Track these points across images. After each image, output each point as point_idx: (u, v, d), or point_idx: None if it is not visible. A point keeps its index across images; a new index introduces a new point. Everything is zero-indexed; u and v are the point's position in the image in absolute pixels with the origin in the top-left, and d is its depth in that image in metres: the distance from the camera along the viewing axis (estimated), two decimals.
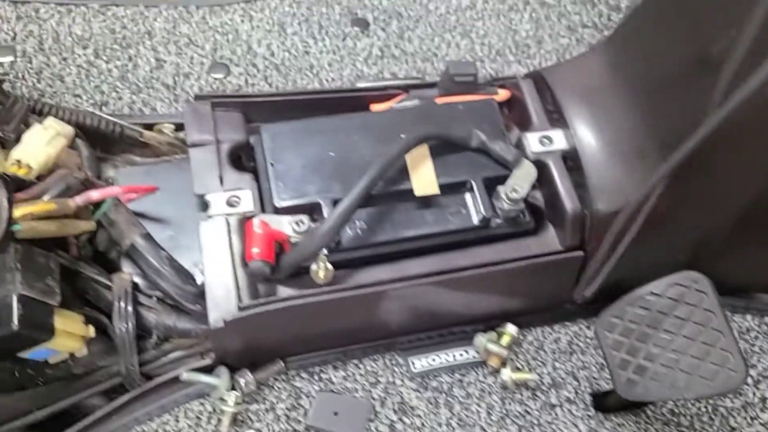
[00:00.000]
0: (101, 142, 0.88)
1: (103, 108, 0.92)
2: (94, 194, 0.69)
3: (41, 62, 0.95)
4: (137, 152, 0.90)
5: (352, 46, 1.03)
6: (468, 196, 0.82)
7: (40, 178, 0.72)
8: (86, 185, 0.71)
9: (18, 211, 0.63)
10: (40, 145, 0.72)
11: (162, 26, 1.01)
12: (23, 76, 0.93)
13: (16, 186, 0.65)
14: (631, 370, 0.69)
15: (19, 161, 0.70)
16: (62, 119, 0.83)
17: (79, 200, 0.67)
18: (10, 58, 0.94)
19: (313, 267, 0.76)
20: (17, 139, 0.74)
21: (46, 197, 0.66)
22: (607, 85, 0.82)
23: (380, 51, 1.04)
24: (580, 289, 0.79)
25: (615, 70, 0.81)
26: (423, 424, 0.80)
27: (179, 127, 0.89)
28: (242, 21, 1.04)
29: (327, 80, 1.00)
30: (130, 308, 0.74)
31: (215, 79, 0.98)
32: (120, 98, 0.94)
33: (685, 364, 0.67)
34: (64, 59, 0.96)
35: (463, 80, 0.86)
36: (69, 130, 0.76)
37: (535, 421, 0.82)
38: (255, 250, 0.72)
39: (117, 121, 0.85)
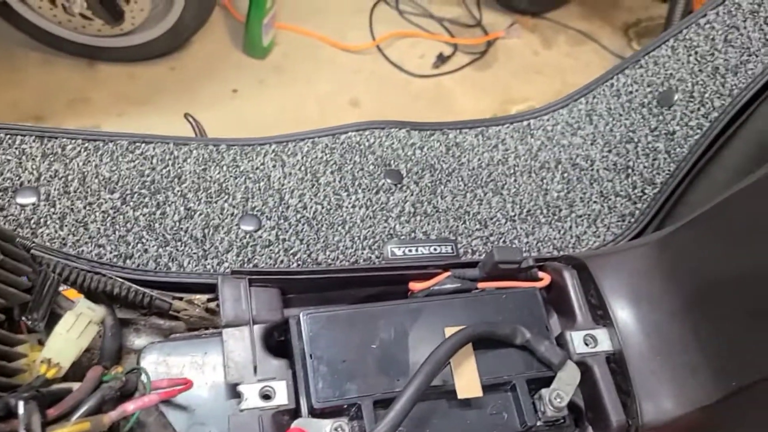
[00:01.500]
0: (124, 308, 0.83)
1: (127, 261, 0.88)
2: (130, 407, 0.64)
3: (65, 206, 0.91)
4: (160, 317, 0.86)
5: (385, 200, 1.01)
6: (510, 397, 0.79)
7: (67, 373, 0.68)
8: (121, 388, 0.66)
9: None
10: (72, 338, 0.68)
11: (192, 169, 0.98)
12: (46, 222, 0.89)
13: (48, 399, 0.61)
14: None
15: (49, 360, 0.66)
16: (89, 287, 0.79)
17: (114, 416, 0.63)
18: (33, 200, 0.90)
19: None
20: (47, 324, 0.70)
21: (78, 413, 0.62)
22: (657, 288, 0.81)
23: (413, 207, 1.02)
24: None
25: (668, 274, 0.80)
26: None
27: (210, 289, 0.85)
28: (274, 166, 1.01)
29: (359, 237, 0.97)
30: None
31: (246, 232, 0.94)
32: (146, 251, 0.90)
33: None
34: (90, 204, 0.92)
35: (508, 267, 0.85)
36: (101, 314, 0.72)
37: None
38: None
39: (147, 291, 0.81)
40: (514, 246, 1.00)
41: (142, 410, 0.69)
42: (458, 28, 2.84)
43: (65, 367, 0.67)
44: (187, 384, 0.72)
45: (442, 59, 2.69)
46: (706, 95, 1.00)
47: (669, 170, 1.00)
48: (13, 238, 0.70)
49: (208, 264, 0.91)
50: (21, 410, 0.57)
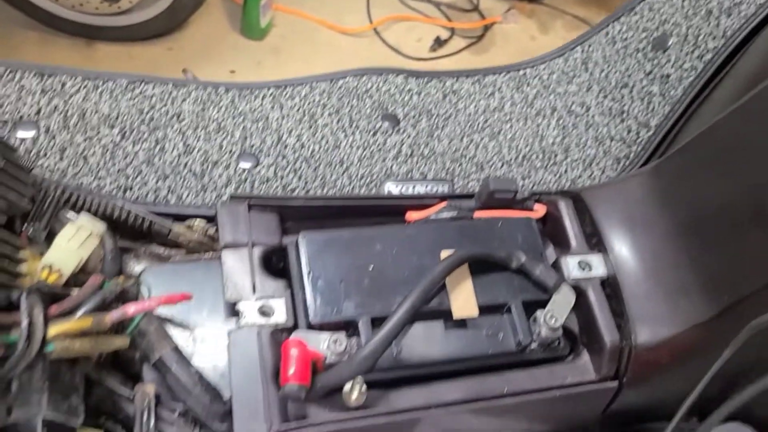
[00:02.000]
0: (123, 233, 0.84)
1: (127, 193, 0.89)
2: (131, 309, 0.65)
3: (65, 140, 0.92)
4: (158, 243, 0.86)
5: (382, 142, 1.02)
6: (505, 318, 0.80)
7: (68, 281, 0.68)
8: (121, 297, 0.67)
9: (53, 330, 0.59)
10: (73, 248, 0.68)
11: (191, 108, 0.99)
12: (45, 153, 0.90)
13: (50, 298, 0.62)
14: None
15: (50, 266, 0.66)
16: (89, 210, 0.79)
17: (115, 316, 0.64)
18: (33, 133, 0.91)
19: (346, 388, 0.72)
20: (48, 236, 0.71)
21: (80, 312, 0.62)
22: (650, 214, 0.81)
23: (410, 149, 1.03)
24: None
25: (660, 200, 0.81)
26: None
27: (209, 219, 0.86)
28: (272, 108, 1.02)
29: (356, 176, 0.98)
30: (152, 423, 0.69)
31: (243, 169, 0.95)
32: (145, 183, 0.91)
33: None
34: (89, 138, 0.93)
35: (503, 197, 0.86)
36: (101, 228, 0.73)
37: None
38: (291, 372, 0.69)
39: (146, 216, 0.81)
40: (509, 177, 1.00)
41: (143, 319, 0.69)
42: (455, 13, 2.85)
43: (65, 275, 0.67)
44: (185, 296, 0.72)
45: (439, 43, 2.69)
46: (700, 38, 1.01)
47: (663, 112, 1.01)
48: (14, 151, 0.71)
49: (207, 197, 0.91)
50: (23, 302, 0.57)
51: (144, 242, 0.86)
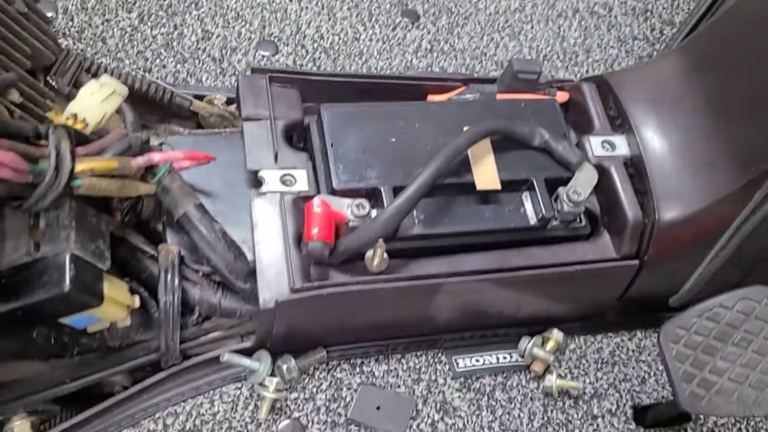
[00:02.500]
0: (144, 108, 0.83)
1: (146, 75, 0.88)
2: (156, 156, 0.65)
3: (83, 21, 0.91)
4: (179, 124, 0.86)
5: (402, 36, 1.01)
6: (527, 195, 0.79)
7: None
8: (146, 148, 0.67)
9: (80, 165, 0.59)
10: (96, 101, 0.68)
11: None
12: (63, 34, 0.89)
13: (77, 140, 0.61)
14: (695, 383, 0.67)
15: (75, 115, 0.66)
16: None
17: (141, 161, 0.63)
18: (51, 15, 0.90)
19: (368, 254, 0.72)
20: (70, 95, 0.70)
21: (106, 155, 0.62)
22: (679, 92, 0.80)
23: (429, 44, 1.02)
24: (680, 296, 0.77)
25: (688, 77, 0.80)
26: (465, 426, 0.78)
27: (230, 102, 0.86)
28: (290, 0, 1.01)
29: (376, 69, 0.97)
30: (176, 281, 0.70)
31: (263, 56, 0.94)
32: (164, 66, 0.90)
33: (754, 380, 0.65)
34: (107, 21, 0.92)
35: (527, 78, 0.85)
36: (124, 89, 0.72)
37: (577, 430, 0.80)
38: (315, 231, 0.69)
39: (167, 86, 0.81)
40: (534, 59, 0.99)
41: (167, 177, 0.69)
42: None
43: (91, 124, 0.67)
44: (209, 157, 0.72)
45: None
46: None
47: (688, 8, 0.99)
48: (37, 1, 0.70)
49: (226, 81, 0.91)
50: (51, 135, 0.57)
51: (162, 121, 0.86)
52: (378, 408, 0.76)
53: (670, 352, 0.69)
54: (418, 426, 0.76)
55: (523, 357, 0.82)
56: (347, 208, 0.72)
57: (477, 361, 0.81)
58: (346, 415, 0.75)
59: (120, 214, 0.72)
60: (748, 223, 0.68)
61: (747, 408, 0.65)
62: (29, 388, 0.65)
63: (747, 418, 0.82)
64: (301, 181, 0.76)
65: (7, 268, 0.58)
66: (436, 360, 0.81)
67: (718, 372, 0.67)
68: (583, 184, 0.78)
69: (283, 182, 0.75)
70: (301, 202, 0.74)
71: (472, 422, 0.78)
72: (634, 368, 0.86)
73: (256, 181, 0.75)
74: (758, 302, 0.68)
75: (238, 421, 0.73)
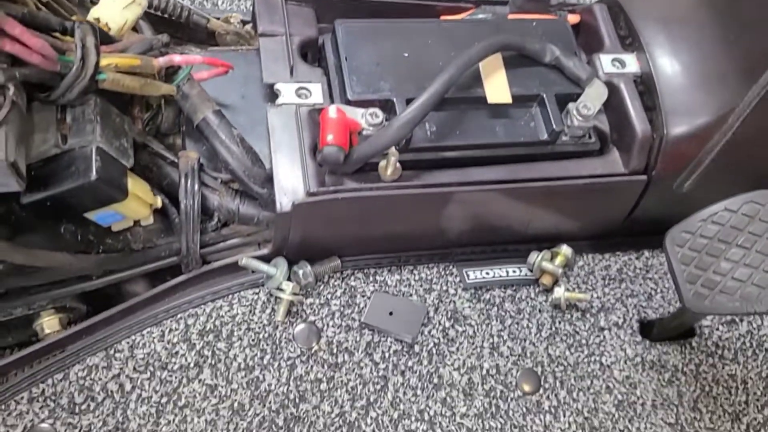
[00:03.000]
0: (161, 29, 0.85)
1: None
2: (177, 57, 0.67)
3: None
4: (195, 44, 0.88)
5: None
6: (538, 110, 0.81)
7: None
8: (167, 51, 0.69)
9: (104, 60, 0.61)
10: (118, 7, 0.70)
11: None
12: None
13: (101, 39, 0.63)
14: (699, 283, 0.69)
15: (97, 19, 0.68)
16: None
17: (162, 61, 0.66)
18: None
19: (382, 163, 0.75)
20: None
21: (129, 52, 0.64)
22: (689, 9, 0.81)
23: None
24: (682, 181, 0.78)
25: None
26: (475, 333, 0.80)
27: (245, 24, 0.87)
28: None
29: None
30: (196, 185, 0.72)
31: None
32: None
33: (757, 279, 0.67)
34: None
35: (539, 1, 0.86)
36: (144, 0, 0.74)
37: (584, 341, 0.83)
38: (330, 137, 0.71)
39: (185, 4, 0.82)
40: None
41: (186, 83, 0.71)
42: None
43: (113, 29, 0.69)
44: (227, 65, 0.74)
45: None
46: None
47: None
48: None
49: (242, 5, 0.92)
50: (77, 30, 0.59)
51: (180, 42, 0.87)
52: (391, 314, 0.78)
53: (676, 255, 0.71)
54: (429, 332, 0.79)
55: (532, 271, 0.85)
56: (361, 117, 0.74)
57: (487, 273, 0.84)
58: (359, 320, 0.78)
59: (141, 124, 0.75)
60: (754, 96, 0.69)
61: (750, 305, 0.66)
62: (57, 277, 0.67)
63: (752, 324, 0.84)
64: (316, 94, 0.78)
65: (37, 160, 0.61)
66: (447, 272, 0.83)
67: (721, 272, 0.69)
68: (593, 99, 0.79)
69: (299, 95, 0.77)
70: (315, 114, 0.76)
71: (482, 330, 0.81)
72: (641, 285, 0.88)
73: (272, 95, 0.77)
74: (762, 205, 0.69)
75: (256, 323, 0.76)
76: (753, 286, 0.67)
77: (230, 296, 0.76)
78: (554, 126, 0.78)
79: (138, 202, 0.67)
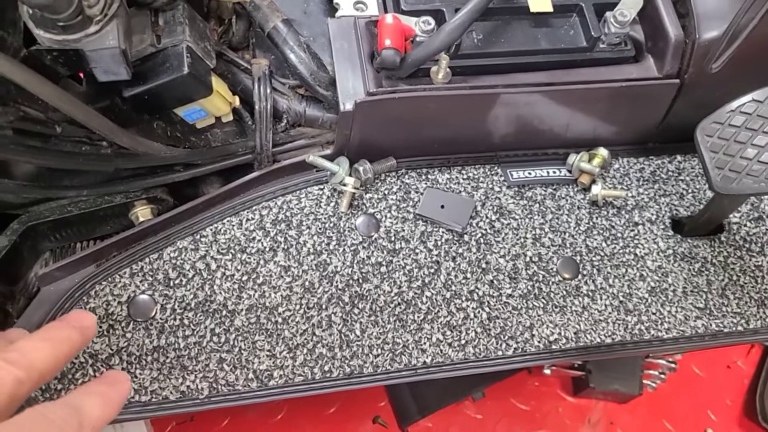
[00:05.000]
0: None
1: None
2: None
3: None
4: None
5: None
6: (577, 19, 0.87)
7: None
8: None
9: None
10: None
11: None
12: None
13: None
14: (727, 168, 0.76)
15: None
16: None
17: None
18: None
19: (434, 68, 0.82)
20: None
21: None
22: None
23: None
24: (709, 62, 0.84)
25: None
26: (518, 226, 0.88)
27: None
28: None
29: None
30: (268, 89, 0.80)
31: None
32: None
33: None
34: None
35: None
36: None
37: (619, 235, 0.90)
38: (387, 41, 0.78)
39: None
40: None
41: None
42: None
43: None
44: None
45: None
46: None
47: None
48: None
49: None
50: None
51: None
52: (442, 207, 0.86)
53: (705, 144, 0.77)
54: (477, 224, 0.87)
55: (571, 172, 0.92)
56: (415, 25, 0.81)
57: (529, 173, 0.91)
58: (414, 212, 0.86)
59: (216, 35, 0.83)
60: None
61: None
62: (153, 163, 0.77)
63: None
64: (372, 7, 0.85)
65: (136, 59, 0.70)
66: (493, 172, 0.91)
67: (748, 157, 0.75)
68: (629, 6, 0.85)
69: (356, 8, 0.85)
70: (372, 26, 0.84)
71: (525, 224, 0.88)
72: (673, 186, 0.94)
73: (332, 9, 0.85)
74: None
75: (322, 214, 0.84)
76: None
77: (298, 191, 0.85)
78: (592, 33, 0.84)
79: (220, 99, 0.76)
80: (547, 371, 1.33)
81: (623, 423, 1.36)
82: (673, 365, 1.34)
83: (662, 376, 1.34)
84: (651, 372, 1.34)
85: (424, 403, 1.28)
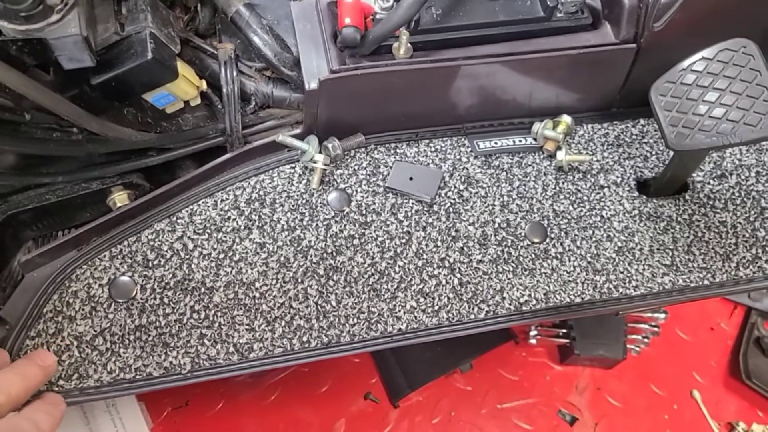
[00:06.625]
0: None
1: None
2: None
3: None
4: None
5: None
6: None
7: None
8: None
9: None
10: None
11: None
12: None
13: None
14: (681, 125, 0.78)
15: None
16: None
17: None
18: None
19: (395, 44, 0.84)
20: None
21: None
22: None
23: None
24: (651, 22, 0.86)
25: None
26: (486, 194, 0.91)
27: None
28: None
29: None
30: (235, 72, 0.83)
31: None
32: None
33: (731, 115, 0.76)
34: None
35: None
36: None
37: (585, 198, 0.92)
38: (347, 19, 0.81)
39: None
40: None
41: None
42: None
43: None
44: None
45: None
46: None
47: None
48: None
49: None
50: None
51: None
52: (411, 179, 0.89)
53: (660, 103, 0.79)
54: (445, 194, 0.90)
55: (536, 140, 0.94)
56: (374, 2, 0.83)
57: (496, 143, 0.94)
58: (384, 185, 0.89)
59: (182, 23, 0.85)
60: None
61: (724, 138, 0.75)
62: (125, 147, 0.79)
63: (740, 176, 0.92)
64: None
65: (101, 48, 0.72)
66: (460, 144, 0.93)
67: (699, 113, 0.77)
68: None
69: None
70: (333, 6, 0.86)
71: (492, 192, 0.91)
72: (637, 149, 0.97)
73: None
74: (736, 51, 0.77)
75: (295, 191, 0.87)
76: (727, 122, 0.76)
77: (270, 171, 0.88)
78: (548, 2, 0.87)
79: (186, 83, 0.79)
80: (533, 341, 1.36)
81: (610, 388, 1.39)
82: (656, 329, 1.37)
83: (645, 340, 1.37)
84: (634, 336, 1.36)
85: (413, 377, 1.31)
